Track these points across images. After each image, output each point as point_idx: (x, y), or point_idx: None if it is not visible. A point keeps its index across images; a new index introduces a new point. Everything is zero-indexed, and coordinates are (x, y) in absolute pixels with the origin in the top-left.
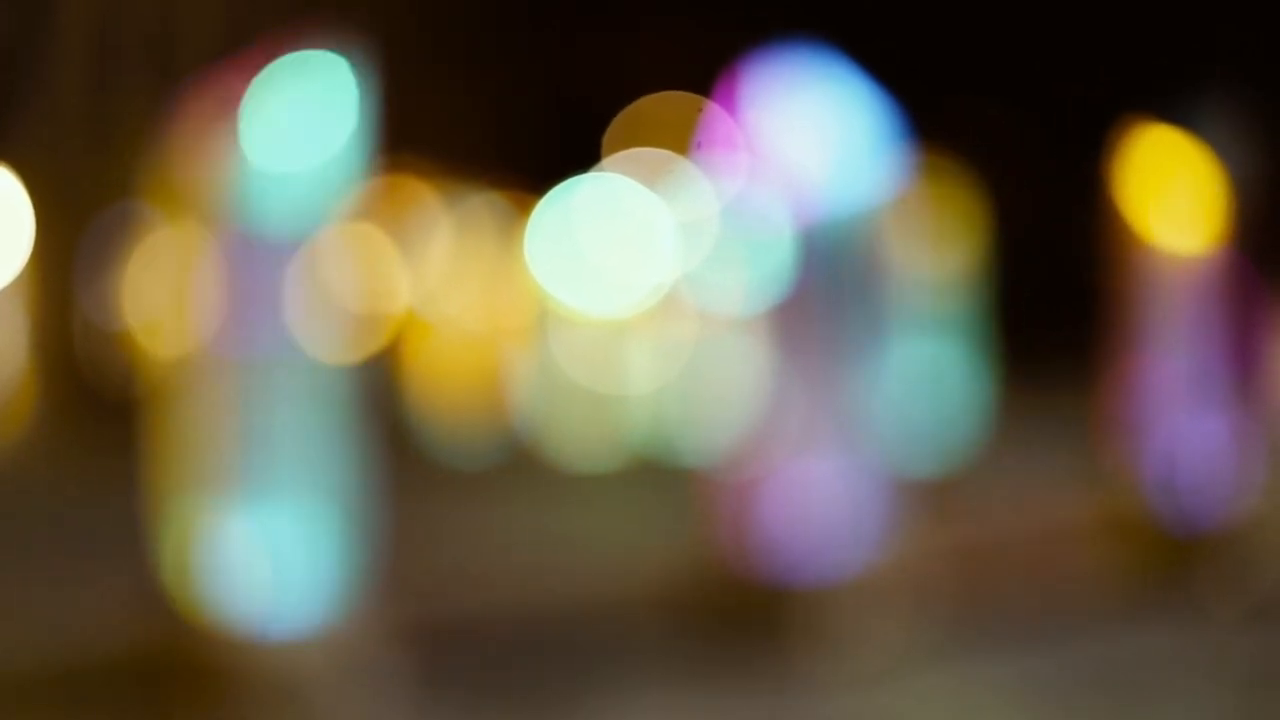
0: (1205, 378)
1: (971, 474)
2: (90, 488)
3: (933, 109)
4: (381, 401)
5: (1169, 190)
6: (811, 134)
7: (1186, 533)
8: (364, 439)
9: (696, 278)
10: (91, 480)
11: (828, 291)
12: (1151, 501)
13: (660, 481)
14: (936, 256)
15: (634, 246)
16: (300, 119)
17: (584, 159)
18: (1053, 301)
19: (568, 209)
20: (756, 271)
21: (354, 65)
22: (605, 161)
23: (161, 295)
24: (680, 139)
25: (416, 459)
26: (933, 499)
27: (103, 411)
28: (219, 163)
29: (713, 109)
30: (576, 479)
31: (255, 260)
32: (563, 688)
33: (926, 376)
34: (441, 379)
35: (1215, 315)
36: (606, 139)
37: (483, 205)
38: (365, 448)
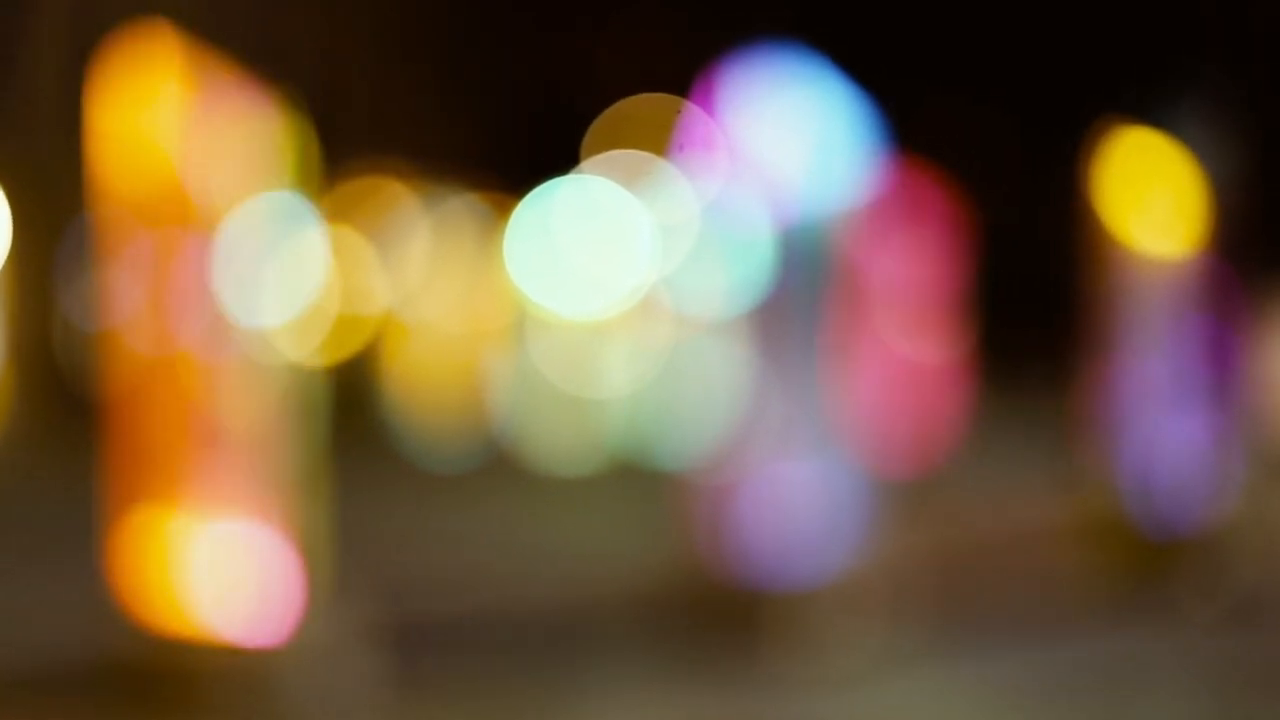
0: (1182, 380)
1: (949, 477)
2: (66, 486)
3: (911, 111)
4: (359, 403)
5: (1147, 192)
6: (790, 136)
7: (1163, 535)
8: (341, 441)
9: (675, 280)
10: (68, 479)
11: (806, 294)
12: (1128, 504)
13: (638, 484)
14: (916, 259)
15: (613, 248)
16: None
17: (563, 161)
18: (1031, 304)
19: (547, 211)
20: (735, 273)
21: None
22: (584, 163)
23: (139, 296)
24: (659, 141)
25: (394, 461)
26: (910, 501)
27: (80, 410)
28: (196, 163)
29: (692, 111)
30: (554, 482)
31: (237, 261)
32: (540, 689)
33: (904, 379)
34: (420, 381)
35: (1193, 318)
36: (586, 141)
37: (461, 207)
38: (342, 450)
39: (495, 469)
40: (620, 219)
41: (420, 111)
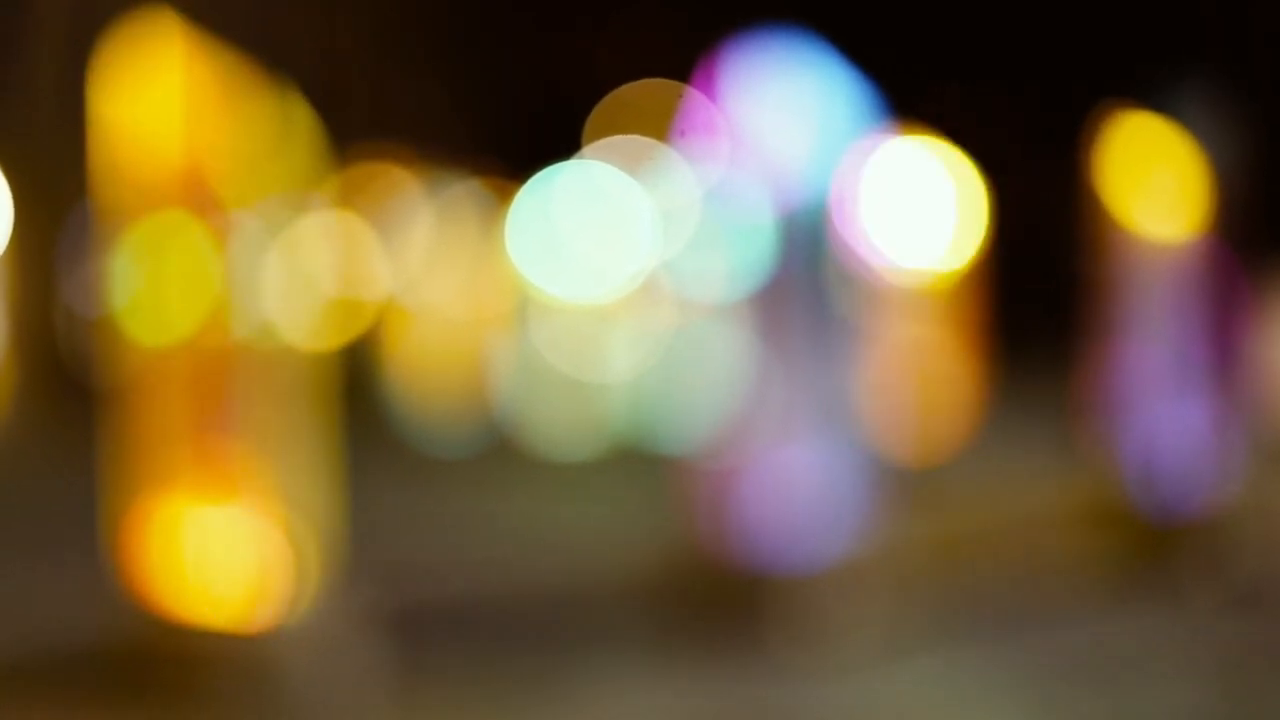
0: (1185, 366)
1: (952, 462)
2: (69, 473)
3: (913, 95)
4: (362, 389)
5: (1150, 177)
6: (792, 120)
7: (1166, 521)
8: (344, 426)
9: (677, 264)
10: (70, 465)
11: (808, 278)
12: (1131, 490)
13: (640, 469)
14: (917, 244)
15: (614, 233)
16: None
17: (565, 146)
18: (1033, 289)
19: (548, 196)
20: (737, 258)
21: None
22: (586, 149)
23: (143, 283)
24: (661, 126)
25: (396, 446)
26: (913, 487)
27: (82, 396)
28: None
29: (693, 96)
30: (557, 466)
31: (241, 247)
32: (543, 674)
33: (908, 365)
34: (422, 366)
35: (1196, 303)
36: (587, 126)
37: (463, 192)
38: (345, 435)
39: (497, 454)
40: (622, 204)
41: (422, 98)
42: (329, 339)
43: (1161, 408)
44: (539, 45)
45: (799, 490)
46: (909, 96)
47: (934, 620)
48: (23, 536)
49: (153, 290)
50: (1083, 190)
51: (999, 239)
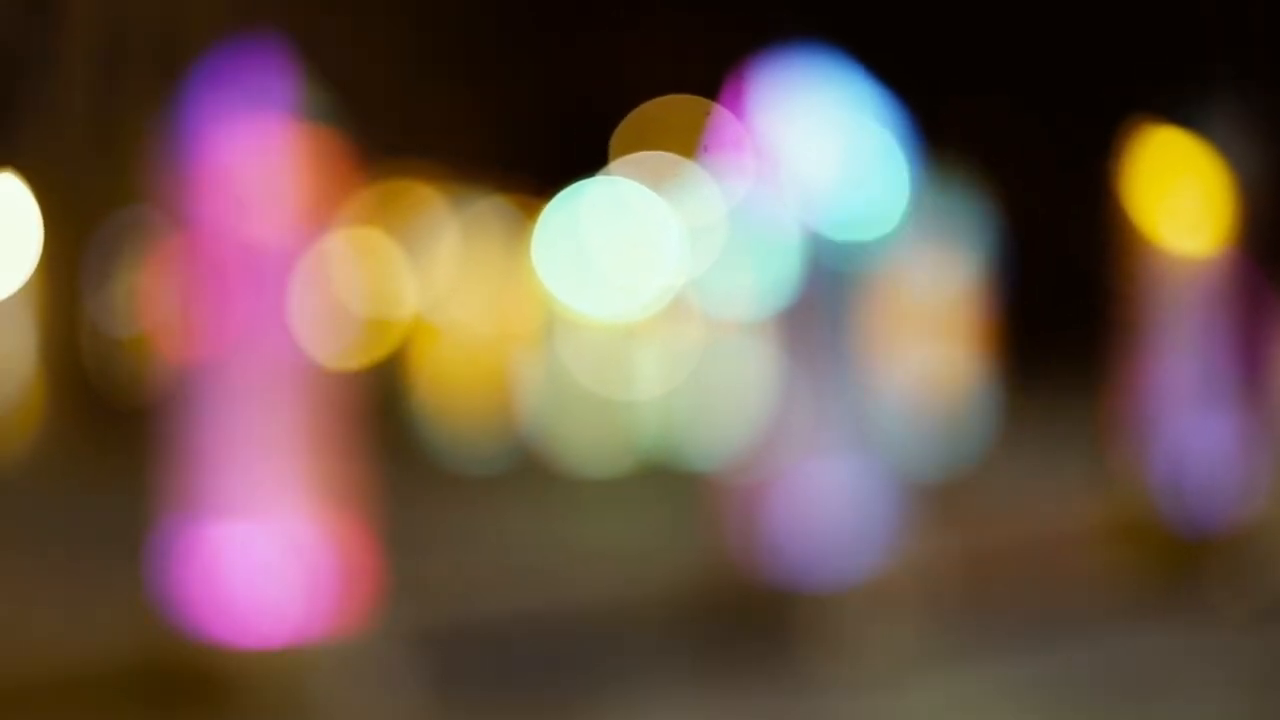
0: (1212, 379)
1: (979, 477)
2: (98, 494)
3: (940, 111)
4: (389, 407)
5: (1176, 192)
6: (819, 137)
7: (1194, 535)
8: (372, 444)
9: (704, 281)
10: (99, 487)
11: (835, 295)
12: (1159, 503)
13: (668, 486)
14: (945, 259)
15: (641, 250)
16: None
17: (591, 162)
18: (1060, 304)
19: (575, 213)
20: (764, 275)
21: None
22: (612, 165)
23: (169, 301)
24: (688, 142)
25: (424, 464)
26: (940, 502)
27: (110, 418)
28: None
29: (720, 112)
30: (584, 484)
31: (261, 265)
32: (571, 692)
33: (934, 380)
34: (449, 384)
35: (1222, 317)
36: (614, 142)
37: (490, 209)
38: (373, 453)
39: (525, 471)
40: (649, 221)
41: (448, 114)
42: (357, 357)
43: (1189, 421)
44: (565, 61)
45: (827, 505)
46: (935, 112)
47: (963, 634)
48: (52, 553)
49: (191, 308)
50: (1110, 205)
51: (1026, 253)
